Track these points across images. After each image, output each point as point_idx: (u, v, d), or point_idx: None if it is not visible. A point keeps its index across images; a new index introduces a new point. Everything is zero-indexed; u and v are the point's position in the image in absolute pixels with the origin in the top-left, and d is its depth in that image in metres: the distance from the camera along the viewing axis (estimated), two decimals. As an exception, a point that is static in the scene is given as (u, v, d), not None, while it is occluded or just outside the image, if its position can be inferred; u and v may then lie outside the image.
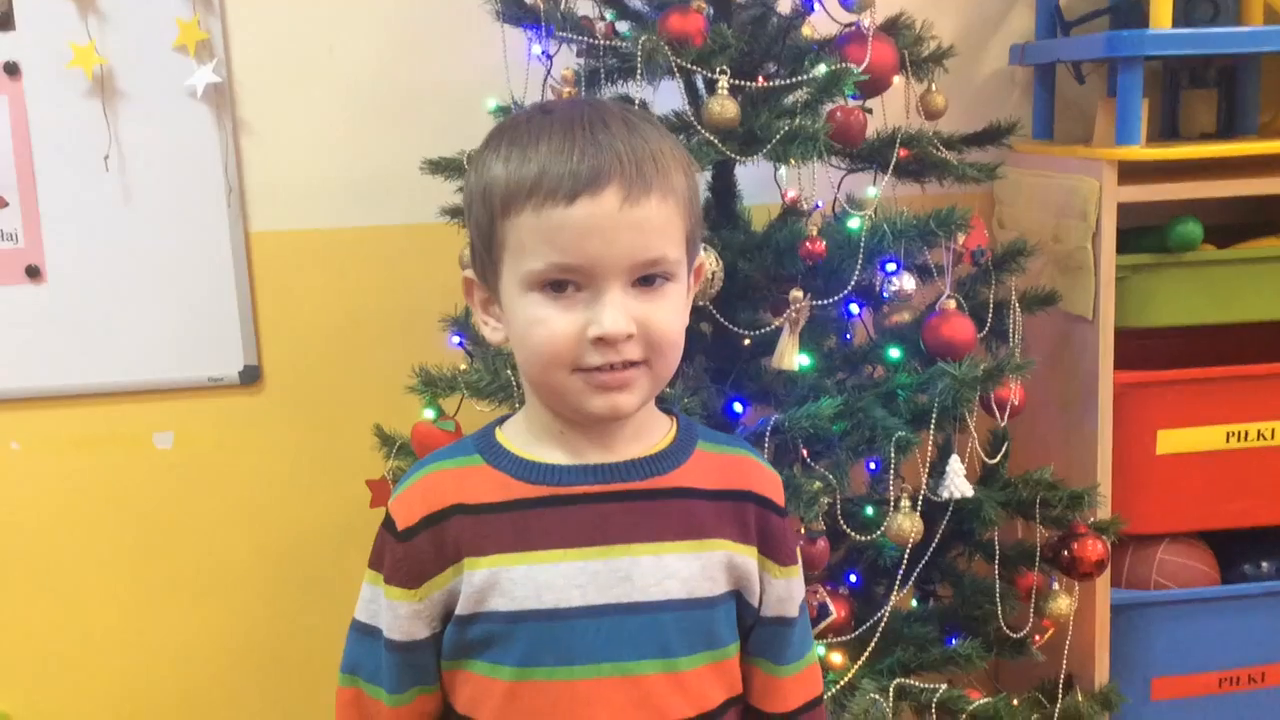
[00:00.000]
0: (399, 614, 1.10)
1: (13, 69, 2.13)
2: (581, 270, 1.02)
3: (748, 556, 1.13)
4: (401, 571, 1.09)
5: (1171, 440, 2.05)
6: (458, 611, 1.08)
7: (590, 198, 1.00)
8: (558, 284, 1.03)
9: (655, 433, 1.13)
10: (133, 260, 2.20)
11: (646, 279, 1.04)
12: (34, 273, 2.19)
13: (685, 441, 1.13)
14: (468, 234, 1.11)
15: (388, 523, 1.11)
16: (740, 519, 1.13)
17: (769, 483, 1.17)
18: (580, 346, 1.02)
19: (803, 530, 1.63)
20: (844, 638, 1.72)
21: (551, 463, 1.09)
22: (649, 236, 1.03)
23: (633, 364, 1.04)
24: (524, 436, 1.12)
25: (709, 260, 1.62)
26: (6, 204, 2.17)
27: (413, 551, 1.09)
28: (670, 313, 1.05)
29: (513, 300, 1.06)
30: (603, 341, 1.02)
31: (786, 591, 1.16)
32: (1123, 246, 1.95)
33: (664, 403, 1.19)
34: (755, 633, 1.16)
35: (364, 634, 1.14)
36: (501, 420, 1.16)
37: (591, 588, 1.07)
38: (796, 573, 1.18)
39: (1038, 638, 1.87)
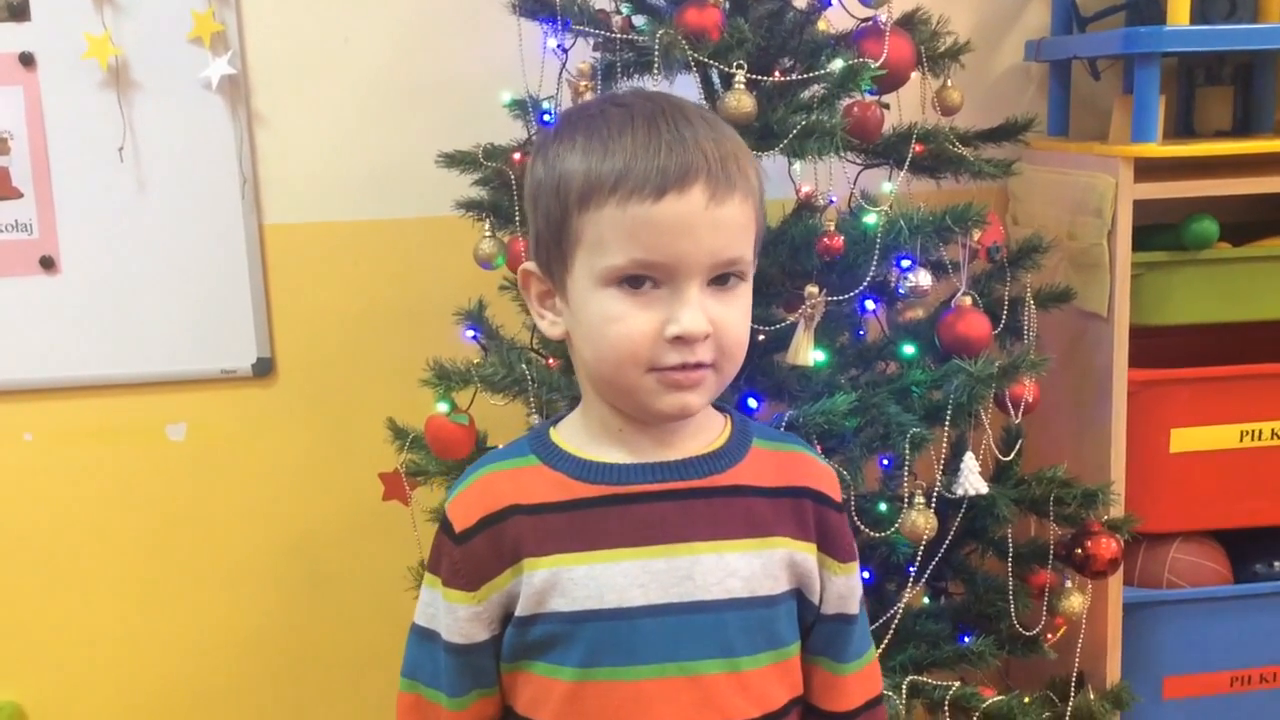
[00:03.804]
0: (458, 616, 1.09)
1: (28, 59, 2.13)
2: (664, 268, 1.01)
3: (807, 554, 1.12)
4: (460, 574, 1.09)
5: (1185, 439, 2.04)
6: (518, 613, 1.08)
7: (678, 195, 1.00)
8: (635, 280, 1.02)
9: (711, 430, 1.13)
10: (147, 252, 2.21)
11: (721, 278, 1.03)
12: (48, 264, 2.19)
13: (741, 439, 1.13)
14: (532, 225, 1.10)
15: (445, 526, 1.11)
16: (799, 516, 1.12)
17: (826, 479, 1.16)
18: (657, 345, 1.02)
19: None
20: (856, 634, 1.72)
21: (610, 461, 1.09)
22: (730, 236, 1.02)
23: (703, 365, 1.03)
24: (581, 436, 1.11)
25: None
26: (21, 195, 2.17)
27: (471, 553, 1.08)
28: (742, 315, 1.06)
29: (585, 295, 1.04)
30: (680, 340, 1.01)
31: (847, 588, 1.16)
32: (1138, 244, 1.95)
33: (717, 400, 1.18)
34: (816, 631, 1.15)
35: (423, 638, 1.14)
36: (555, 421, 1.15)
37: (654, 587, 1.06)
38: (855, 569, 1.17)
39: (1050, 636, 1.86)
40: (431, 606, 1.13)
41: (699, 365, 1.03)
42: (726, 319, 1.03)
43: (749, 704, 1.09)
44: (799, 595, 1.13)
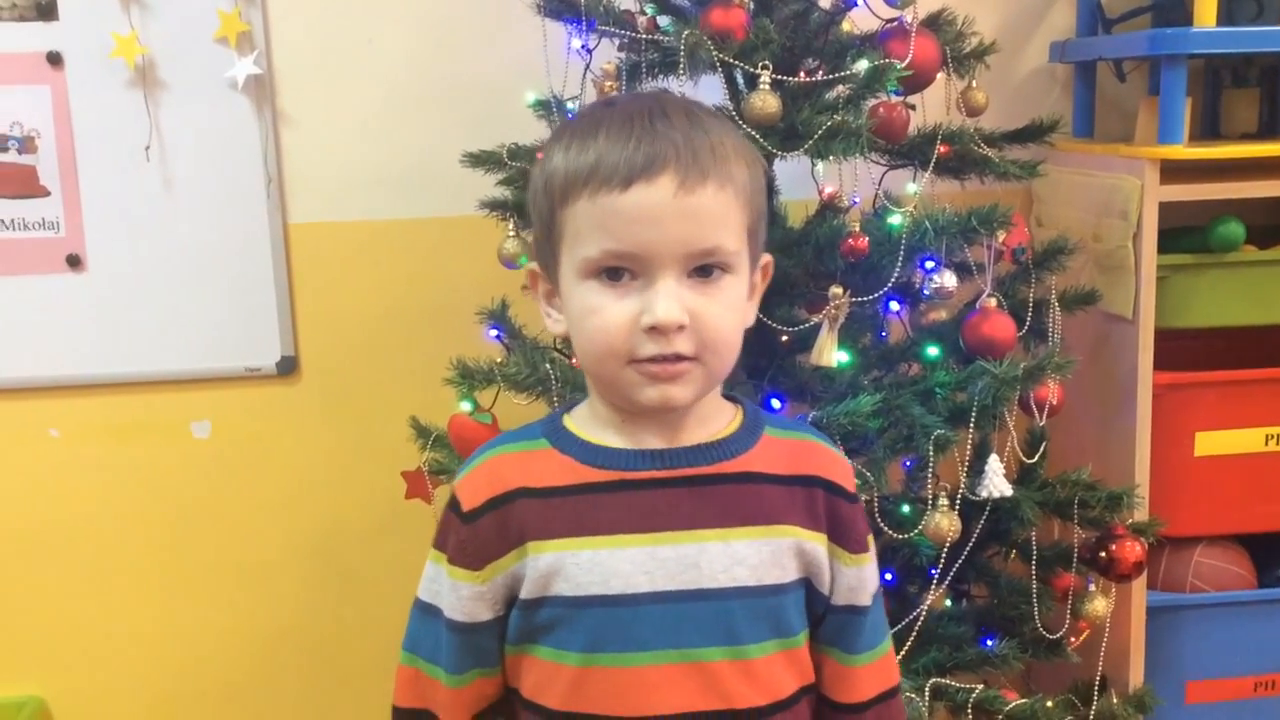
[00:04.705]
0: (461, 595, 1.10)
1: (55, 59, 2.14)
2: (635, 258, 1.02)
3: (817, 544, 1.12)
4: (465, 552, 1.10)
5: (1210, 442, 2.03)
6: (522, 595, 1.09)
7: (645, 184, 1.01)
8: (613, 272, 1.03)
9: (719, 419, 1.13)
10: (172, 250, 2.22)
11: (703, 270, 1.03)
12: (75, 262, 2.21)
13: (751, 427, 1.13)
14: (533, 227, 1.12)
15: (453, 503, 1.12)
16: (810, 505, 1.12)
17: (838, 468, 1.16)
18: (634, 336, 1.02)
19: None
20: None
21: (619, 447, 1.09)
22: (704, 225, 1.02)
23: (684, 358, 1.03)
24: (590, 423, 1.12)
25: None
26: (48, 193, 2.18)
27: (477, 533, 1.09)
28: (724, 307, 1.05)
29: (570, 289, 1.06)
30: (655, 330, 1.01)
31: (858, 580, 1.15)
32: (1163, 246, 1.94)
33: (728, 390, 1.17)
34: (826, 621, 1.15)
35: (425, 613, 1.15)
36: (569, 406, 1.16)
37: (659, 574, 1.07)
38: (868, 560, 1.17)
39: (1073, 639, 1.85)
40: (435, 582, 1.14)
41: (679, 358, 1.03)
42: (706, 311, 1.03)
43: (755, 692, 1.09)
44: (808, 585, 1.13)
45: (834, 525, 1.13)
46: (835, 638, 1.16)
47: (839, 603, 1.15)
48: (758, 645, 1.09)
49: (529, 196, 1.12)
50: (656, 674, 1.07)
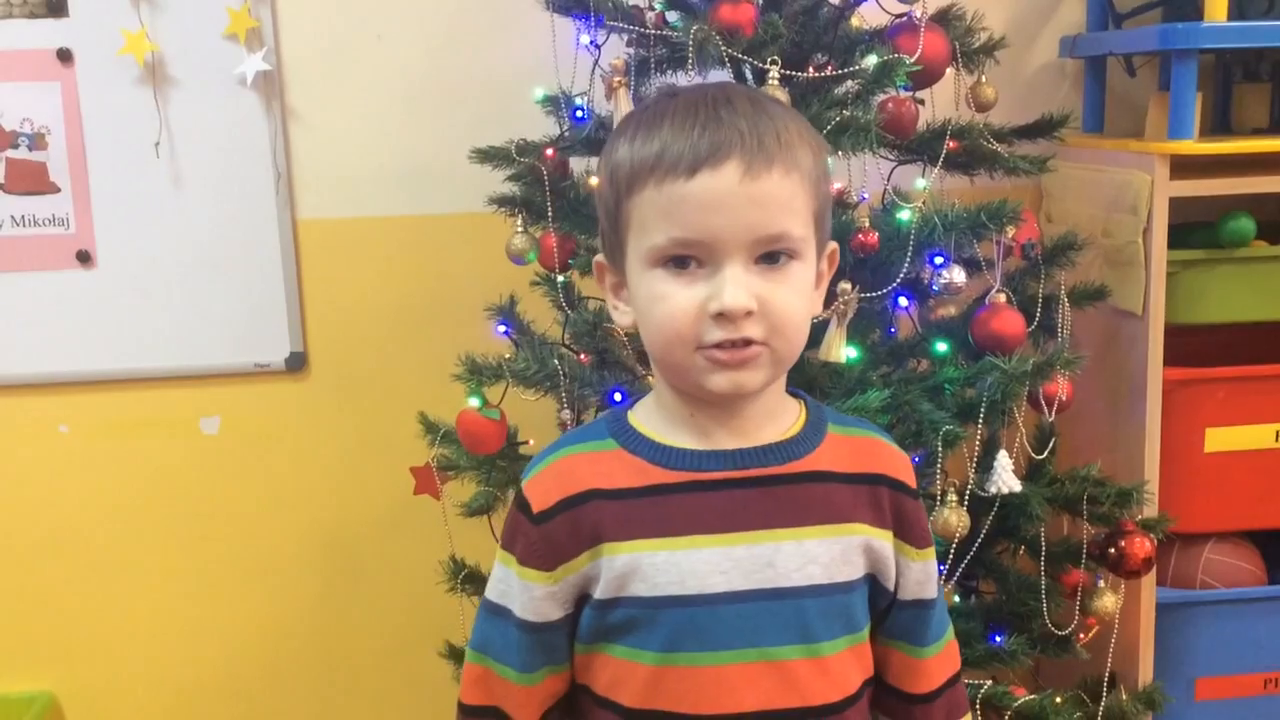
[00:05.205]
0: (533, 595, 1.10)
1: (66, 55, 2.15)
2: (702, 245, 1.02)
3: (884, 540, 1.13)
4: (536, 554, 1.10)
5: (1220, 438, 2.02)
6: (597, 596, 1.09)
7: (710, 172, 1.01)
8: (680, 260, 1.03)
9: (786, 416, 1.13)
10: (182, 247, 2.22)
11: (770, 256, 1.03)
12: (85, 258, 2.21)
13: (816, 425, 1.13)
14: (599, 219, 1.13)
15: (521, 505, 1.12)
16: (875, 502, 1.13)
17: (900, 465, 1.17)
18: (701, 323, 1.02)
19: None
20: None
21: (689, 448, 1.09)
22: (770, 212, 1.02)
23: (752, 343, 1.03)
24: (656, 421, 1.12)
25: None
26: (59, 190, 2.19)
27: (548, 534, 1.09)
28: (792, 293, 1.04)
29: (636, 278, 1.06)
30: (723, 317, 1.01)
31: (924, 574, 1.16)
32: (1173, 241, 1.94)
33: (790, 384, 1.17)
34: (894, 616, 1.16)
35: (494, 614, 1.15)
36: (630, 405, 1.16)
37: (735, 573, 1.07)
38: (932, 554, 1.18)
39: (1082, 636, 1.85)
40: (504, 583, 1.14)
41: (748, 343, 1.03)
42: (774, 296, 1.03)
43: (830, 688, 1.10)
44: (872, 581, 1.14)
45: (900, 522, 1.14)
46: (905, 633, 1.17)
47: (907, 598, 1.16)
48: (831, 642, 1.10)
49: (596, 189, 1.12)
50: (735, 673, 1.07)
